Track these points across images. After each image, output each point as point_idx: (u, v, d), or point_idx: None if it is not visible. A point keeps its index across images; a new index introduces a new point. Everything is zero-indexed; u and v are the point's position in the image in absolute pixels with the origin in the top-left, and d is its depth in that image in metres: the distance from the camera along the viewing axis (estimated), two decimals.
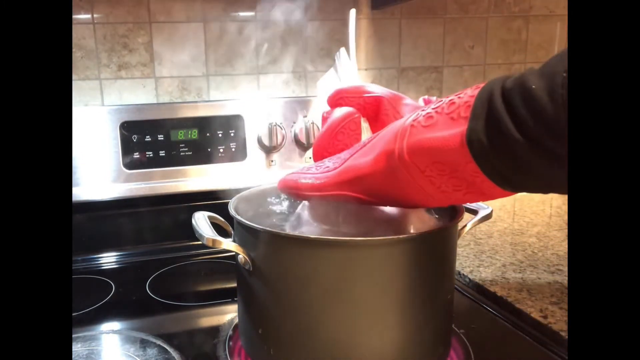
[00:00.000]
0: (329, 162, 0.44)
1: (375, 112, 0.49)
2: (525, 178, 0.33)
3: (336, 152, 0.48)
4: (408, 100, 0.49)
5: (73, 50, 0.87)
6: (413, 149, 0.36)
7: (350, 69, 0.54)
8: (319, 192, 0.43)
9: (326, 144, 0.49)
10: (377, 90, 0.50)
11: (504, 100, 0.31)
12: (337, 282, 0.41)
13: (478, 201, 0.43)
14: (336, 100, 0.50)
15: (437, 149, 0.35)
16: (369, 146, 0.41)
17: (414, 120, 0.37)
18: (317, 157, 0.49)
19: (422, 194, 0.38)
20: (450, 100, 0.35)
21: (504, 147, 0.31)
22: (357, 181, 0.41)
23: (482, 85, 0.34)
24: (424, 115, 0.36)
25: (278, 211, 0.55)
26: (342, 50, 0.56)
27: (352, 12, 0.57)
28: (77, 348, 0.55)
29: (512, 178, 0.33)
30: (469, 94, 0.34)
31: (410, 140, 0.36)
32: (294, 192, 0.45)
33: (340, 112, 0.49)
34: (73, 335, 0.58)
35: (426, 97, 0.51)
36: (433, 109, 0.36)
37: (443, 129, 0.34)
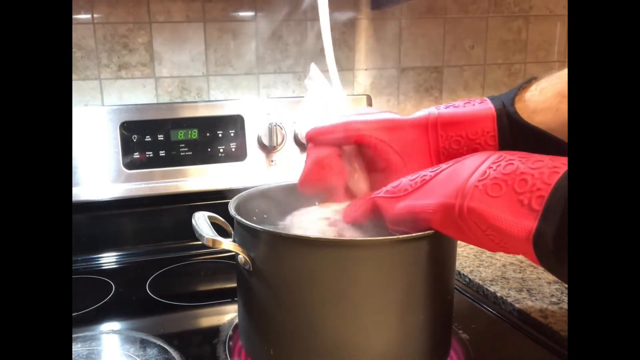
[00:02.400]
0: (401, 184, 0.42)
1: (359, 145, 0.48)
2: None
3: (321, 186, 0.49)
4: (395, 117, 0.47)
5: (73, 50, 0.87)
6: (475, 213, 0.35)
7: (325, 88, 0.52)
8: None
9: (308, 181, 0.49)
10: (358, 124, 0.47)
11: None
12: (337, 282, 0.41)
13: None
14: (315, 140, 0.49)
15: (500, 229, 0.34)
16: (430, 187, 0.39)
17: (479, 181, 0.35)
18: (303, 189, 0.50)
19: (480, 244, 0.38)
20: (521, 172, 0.34)
21: None
22: (415, 223, 0.40)
23: (560, 169, 0.32)
24: (490, 179, 0.35)
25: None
26: (313, 66, 0.53)
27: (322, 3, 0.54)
28: (77, 348, 0.55)
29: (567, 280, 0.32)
30: (545, 177, 0.32)
31: (471, 204, 0.35)
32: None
33: (321, 152, 0.48)
34: (73, 335, 0.57)
35: (438, 108, 0.47)
36: (502, 174, 0.35)
37: (509, 211, 0.33)
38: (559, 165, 0.33)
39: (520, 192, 0.33)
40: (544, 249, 0.32)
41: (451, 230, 0.38)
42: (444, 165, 0.40)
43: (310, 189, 0.50)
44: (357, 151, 0.49)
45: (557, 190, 0.31)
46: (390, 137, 0.47)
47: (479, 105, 0.45)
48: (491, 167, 0.36)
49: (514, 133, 0.43)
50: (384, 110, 0.49)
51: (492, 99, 0.45)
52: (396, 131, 0.47)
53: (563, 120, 0.42)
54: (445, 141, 0.45)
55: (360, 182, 0.49)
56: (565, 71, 0.43)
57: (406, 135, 0.46)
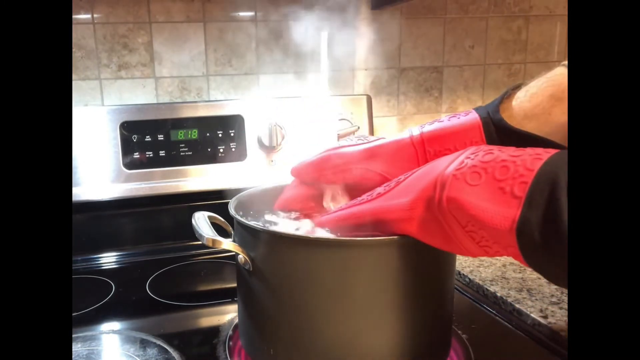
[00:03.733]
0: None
1: (344, 177, 0.47)
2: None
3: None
4: (378, 143, 0.46)
5: (73, 50, 0.87)
6: (454, 204, 0.33)
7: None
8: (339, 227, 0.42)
9: (286, 207, 0.51)
10: (343, 155, 0.47)
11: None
12: (337, 282, 0.41)
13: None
14: (300, 177, 0.49)
15: (480, 220, 0.31)
16: (403, 187, 0.37)
17: (456, 170, 0.33)
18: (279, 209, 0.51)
19: (458, 247, 0.35)
20: (502, 160, 0.32)
21: (558, 254, 0.28)
22: (385, 224, 0.38)
23: (544, 156, 0.30)
24: (469, 167, 0.33)
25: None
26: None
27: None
28: (77, 348, 0.55)
29: (555, 279, 0.30)
30: (527, 164, 0.30)
31: (450, 193, 0.33)
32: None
33: (295, 192, 0.49)
34: (73, 335, 0.57)
35: (421, 127, 0.46)
36: (481, 162, 0.32)
37: (490, 199, 0.31)
38: (541, 153, 0.31)
39: (501, 180, 0.31)
40: (529, 239, 0.29)
41: (429, 229, 0.36)
42: (419, 167, 0.38)
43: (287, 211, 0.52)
44: (342, 187, 0.49)
45: (541, 175, 0.29)
46: (378, 164, 0.45)
47: (463, 118, 0.44)
48: (469, 158, 0.34)
49: (503, 140, 0.41)
50: (364, 137, 0.49)
51: (476, 109, 0.44)
52: (383, 157, 0.45)
53: (556, 124, 0.40)
54: (433, 157, 0.44)
55: None
56: (555, 72, 0.42)
57: (394, 159, 0.45)
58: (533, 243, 0.29)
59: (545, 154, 0.31)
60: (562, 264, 0.28)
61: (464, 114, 0.44)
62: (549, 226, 0.28)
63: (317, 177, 0.48)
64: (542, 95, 0.41)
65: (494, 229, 0.31)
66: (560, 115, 0.40)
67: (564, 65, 0.42)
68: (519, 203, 0.30)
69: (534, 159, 0.30)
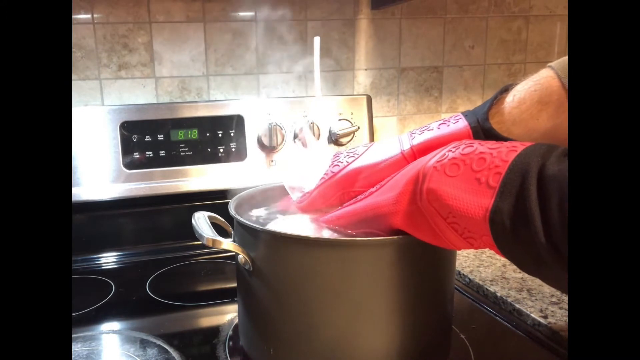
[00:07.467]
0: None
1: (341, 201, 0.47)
2: (541, 272, 0.31)
3: None
4: (371, 161, 0.45)
5: (73, 50, 0.87)
6: (433, 195, 0.34)
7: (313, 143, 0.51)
8: (338, 228, 0.43)
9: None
10: (340, 182, 0.46)
11: (539, 192, 0.29)
12: (336, 282, 0.41)
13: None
14: (308, 211, 0.49)
15: (456, 210, 0.33)
16: (392, 183, 0.39)
17: (437, 162, 0.35)
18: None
19: (443, 240, 0.36)
20: (480, 152, 0.33)
21: (527, 242, 0.29)
22: (377, 220, 0.39)
23: (519, 148, 0.31)
24: (449, 159, 0.34)
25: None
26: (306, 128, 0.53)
27: (316, 40, 0.50)
28: (77, 348, 0.55)
29: (526, 267, 0.32)
30: (503, 155, 0.32)
31: (430, 185, 0.34)
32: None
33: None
34: (73, 335, 0.57)
35: (411, 135, 0.45)
36: (461, 154, 0.34)
37: (466, 190, 0.32)
38: (517, 145, 0.32)
39: (477, 171, 0.32)
40: (501, 228, 0.30)
41: (416, 223, 0.37)
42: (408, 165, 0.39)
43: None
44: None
45: (515, 166, 0.30)
46: (373, 182, 0.45)
47: (453, 125, 0.43)
48: (451, 151, 0.35)
49: None
50: (353, 150, 0.48)
51: (466, 115, 0.43)
52: (377, 175, 0.45)
53: (544, 130, 0.40)
54: None
55: None
56: (541, 74, 0.42)
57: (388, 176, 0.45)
58: (504, 231, 0.30)
59: (521, 146, 0.32)
60: (531, 252, 0.29)
61: (453, 120, 0.44)
62: (519, 214, 0.30)
63: (321, 208, 0.49)
64: (529, 100, 0.41)
65: (469, 218, 0.32)
66: (547, 120, 0.40)
67: (549, 67, 0.42)
68: (492, 193, 0.31)
69: (510, 150, 0.32)
